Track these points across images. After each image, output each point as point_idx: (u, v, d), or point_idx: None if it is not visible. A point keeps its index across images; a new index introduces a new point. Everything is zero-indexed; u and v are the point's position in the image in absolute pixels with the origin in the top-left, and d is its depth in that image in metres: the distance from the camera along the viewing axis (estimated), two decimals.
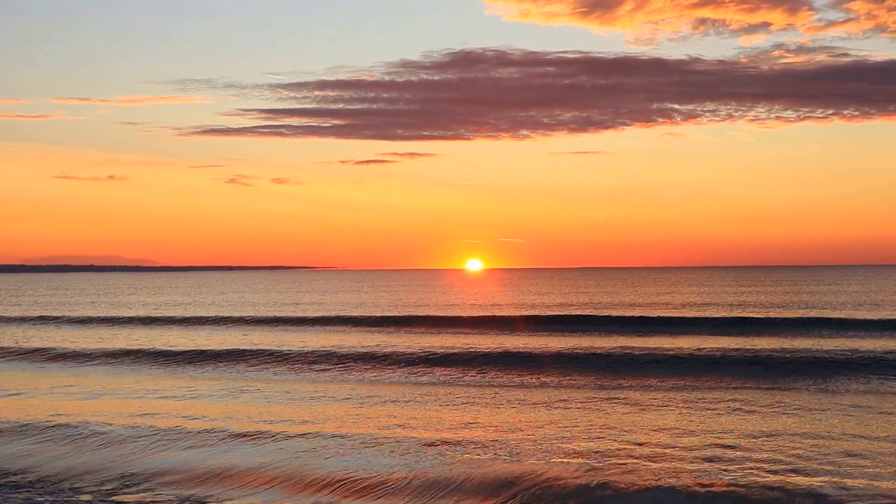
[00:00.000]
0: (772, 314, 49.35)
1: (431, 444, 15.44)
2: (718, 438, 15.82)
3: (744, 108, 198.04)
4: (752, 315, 48.30)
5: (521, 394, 22.64)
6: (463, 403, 21.02)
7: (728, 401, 20.73)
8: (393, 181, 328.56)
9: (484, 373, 27.19)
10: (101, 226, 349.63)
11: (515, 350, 31.57)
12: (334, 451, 15.02)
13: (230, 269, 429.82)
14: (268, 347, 34.08)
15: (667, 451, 14.69)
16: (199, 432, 16.89)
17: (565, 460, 14.03)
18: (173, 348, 34.38)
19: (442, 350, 31.81)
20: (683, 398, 21.30)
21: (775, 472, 12.97)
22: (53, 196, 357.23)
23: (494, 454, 14.62)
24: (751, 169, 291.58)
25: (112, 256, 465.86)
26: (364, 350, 32.34)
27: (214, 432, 16.85)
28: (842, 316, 46.38)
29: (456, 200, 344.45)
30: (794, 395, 21.89)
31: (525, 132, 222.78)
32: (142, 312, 59.98)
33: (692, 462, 13.82)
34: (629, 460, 13.93)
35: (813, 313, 49.77)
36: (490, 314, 52.19)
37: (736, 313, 50.99)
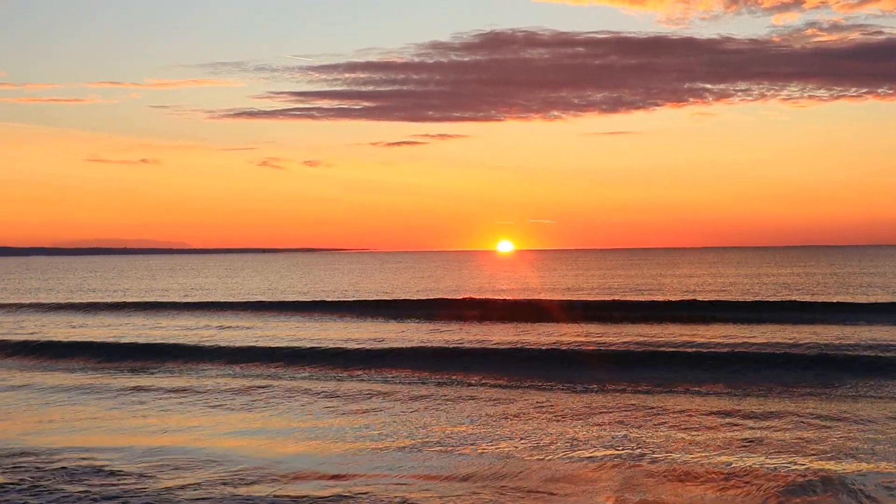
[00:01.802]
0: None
1: None
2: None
3: (776, 88, 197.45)
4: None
5: None
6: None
7: None
8: (423, 163, 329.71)
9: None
10: (133, 209, 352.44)
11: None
12: None
13: (263, 251, 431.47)
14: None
15: None
16: None
17: None
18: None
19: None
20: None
21: None
22: (85, 180, 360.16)
23: None
24: (784, 149, 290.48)
25: (145, 240, 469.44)
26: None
27: None
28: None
29: (486, 181, 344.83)
30: None
31: (556, 113, 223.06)
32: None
33: None
34: None
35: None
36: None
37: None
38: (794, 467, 13.15)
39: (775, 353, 26.15)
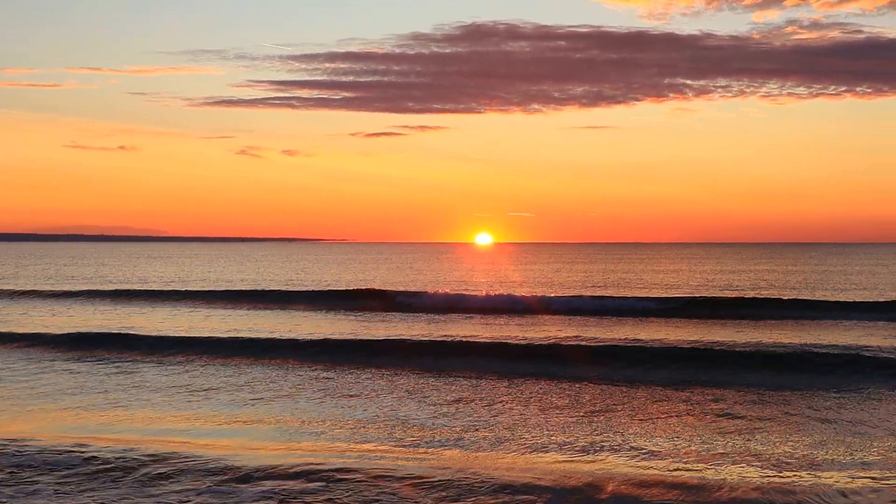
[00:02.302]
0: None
1: None
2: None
3: (756, 84, 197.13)
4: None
5: None
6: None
7: None
8: (403, 154, 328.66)
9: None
10: (111, 196, 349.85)
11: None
12: None
13: (242, 240, 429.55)
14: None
15: None
16: None
17: None
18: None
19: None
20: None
21: None
22: (63, 166, 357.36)
23: None
24: (763, 146, 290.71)
25: (122, 227, 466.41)
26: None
27: None
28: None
29: (466, 174, 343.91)
30: None
31: (536, 106, 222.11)
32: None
33: None
34: None
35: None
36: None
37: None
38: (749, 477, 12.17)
39: (756, 352, 25.03)
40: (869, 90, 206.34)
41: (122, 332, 30.55)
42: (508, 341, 27.66)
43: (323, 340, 27.76)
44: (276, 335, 29.69)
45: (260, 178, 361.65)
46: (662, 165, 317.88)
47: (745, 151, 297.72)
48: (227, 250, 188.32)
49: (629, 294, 49.32)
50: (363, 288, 52.85)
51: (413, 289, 53.23)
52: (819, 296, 48.39)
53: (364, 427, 15.84)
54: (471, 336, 29.76)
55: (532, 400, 18.86)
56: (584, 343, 27.27)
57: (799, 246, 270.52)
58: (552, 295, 47.02)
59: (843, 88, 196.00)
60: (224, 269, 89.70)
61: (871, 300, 43.52)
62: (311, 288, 55.78)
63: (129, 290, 51.56)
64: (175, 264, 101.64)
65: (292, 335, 29.58)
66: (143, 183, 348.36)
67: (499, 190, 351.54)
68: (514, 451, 13.93)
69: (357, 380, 21.46)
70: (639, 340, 28.05)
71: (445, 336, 29.70)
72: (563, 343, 27.25)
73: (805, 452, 13.76)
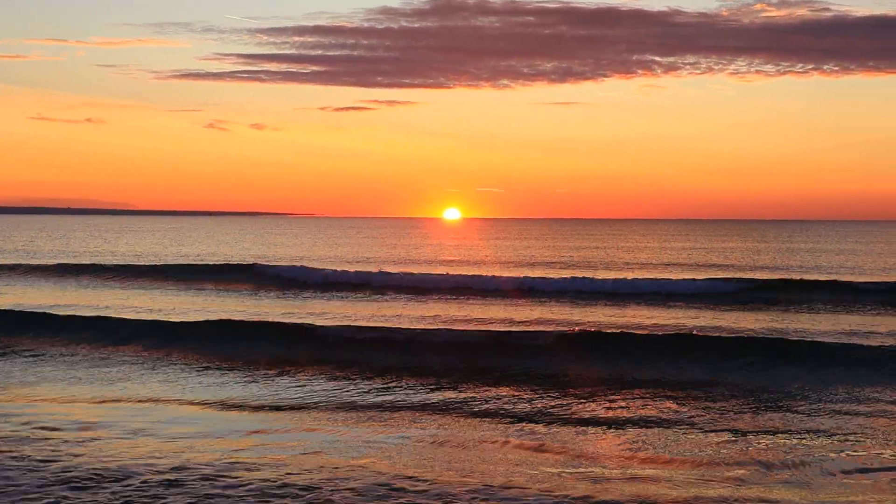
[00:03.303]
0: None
1: None
2: None
3: (724, 62, 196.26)
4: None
5: None
6: None
7: None
8: (372, 129, 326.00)
9: None
10: (77, 168, 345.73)
11: None
12: None
13: (209, 214, 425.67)
14: None
15: None
16: None
17: None
18: None
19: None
20: None
21: None
22: (29, 138, 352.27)
23: None
24: (731, 123, 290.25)
25: (89, 199, 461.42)
26: None
27: None
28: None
29: (435, 149, 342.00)
30: None
31: (505, 81, 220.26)
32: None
33: None
34: None
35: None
36: None
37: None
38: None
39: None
40: (836, 68, 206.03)
41: None
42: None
43: None
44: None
45: (227, 151, 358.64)
46: (631, 142, 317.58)
47: (714, 128, 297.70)
48: (191, 224, 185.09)
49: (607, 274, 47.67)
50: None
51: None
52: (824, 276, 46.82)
53: None
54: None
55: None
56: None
57: (766, 223, 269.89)
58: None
59: (811, 66, 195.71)
60: (169, 243, 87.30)
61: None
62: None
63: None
64: (135, 238, 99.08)
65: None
66: (109, 156, 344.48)
67: (468, 165, 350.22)
68: None
69: None
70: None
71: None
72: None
73: None
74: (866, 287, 37.32)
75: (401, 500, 9.68)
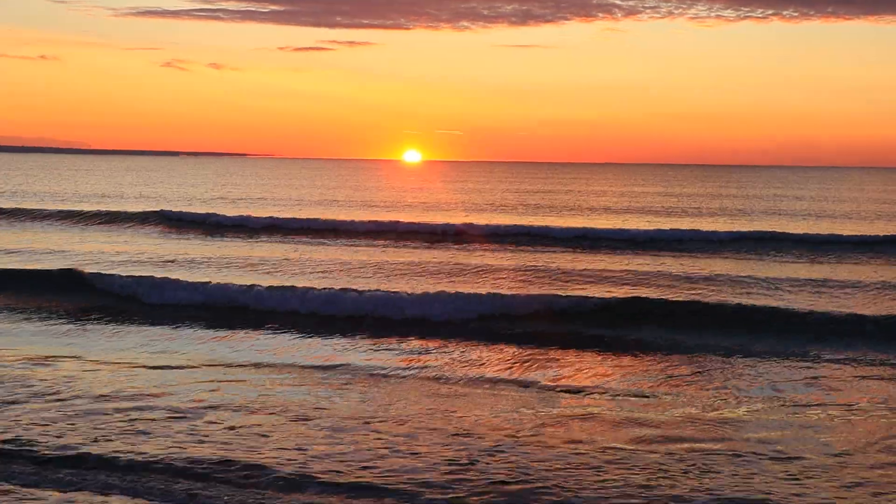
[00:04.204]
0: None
1: None
2: None
3: (684, 6, 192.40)
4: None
5: None
6: None
7: None
8: (331, 70, 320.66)
9: None
10: (32, 107, 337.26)
11: None
12: None
13: (167, 154, 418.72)
14: None
15: None
16: None
17: None
18: None
19: None
20: None
21: None
22: None
23: None
24: (690, 68, 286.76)
25: (44, 138, 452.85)
26: None
27: None
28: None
29: (394, 91, 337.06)
30: None
31: (465, 23, 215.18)
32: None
33: None
34: None
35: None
36: None
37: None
38: None
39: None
40: (795, 14, 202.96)
41: None
42: None
43: None
44: None
45: (186, 91, 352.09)
46: (591, 87, 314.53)
47: (673, 74, 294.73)
48: (145, 164, 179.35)
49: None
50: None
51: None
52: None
53: None
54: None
55: None
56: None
57: (724, 168, 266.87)
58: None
59: (770, 12, 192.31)
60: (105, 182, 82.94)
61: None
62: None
63: None
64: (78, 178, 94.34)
65: None
66: (65, 94, 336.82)
67: (427, 108, 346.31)
68: None
69: None
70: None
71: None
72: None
73: None
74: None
75: None
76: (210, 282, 21.93)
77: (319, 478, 9.24)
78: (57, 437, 10.26)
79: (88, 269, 23.71)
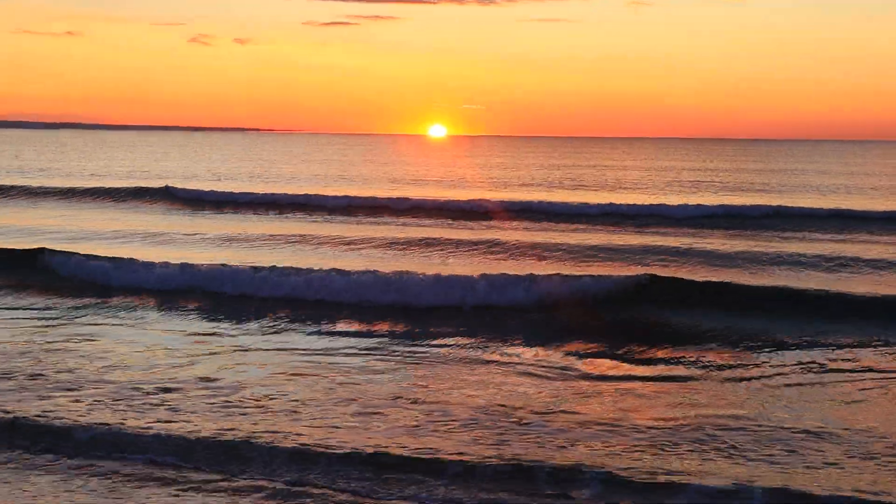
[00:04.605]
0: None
1: None
2: None
3: None
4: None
5: None
6: None
7: None
8: (356, 45, 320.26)
9: None
10: (58, 83, 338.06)
11: None
12: None
13: (193, 130, 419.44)
14: None
15: None
16: None
17: None
18: None
19: None
20: None
21: None
22: (12, 53, 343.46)
23: None
24: (720, 41, 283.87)
25: (70, 114, 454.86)
26: None
27: None
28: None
29: (420, 66, 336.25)
30: None
31: None
32: None
33: None
34: None
35: None
36: None
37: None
38: None
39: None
40: None
41: None
42: None
43: None
44: None
45: (211, 66, 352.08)
46: (617, 60, 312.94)
47: (702, 46, 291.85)
48: (170, 140, 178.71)
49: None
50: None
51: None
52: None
53: None
54: None
55: None
56: None
57: (756, 143, 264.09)
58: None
59: None
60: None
61: None
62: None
63: None
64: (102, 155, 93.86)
65: None
66: (91, 70, 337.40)
67: (453, 82, 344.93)
68: None
69: None
70: None
71: None
72: None
73: None
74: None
75: None
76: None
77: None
78: None
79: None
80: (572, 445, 9.42)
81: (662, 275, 19.64)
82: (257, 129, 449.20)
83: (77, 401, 10.67)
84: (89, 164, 69.41)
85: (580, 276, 19.00)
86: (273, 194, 39.86)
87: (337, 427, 9.88)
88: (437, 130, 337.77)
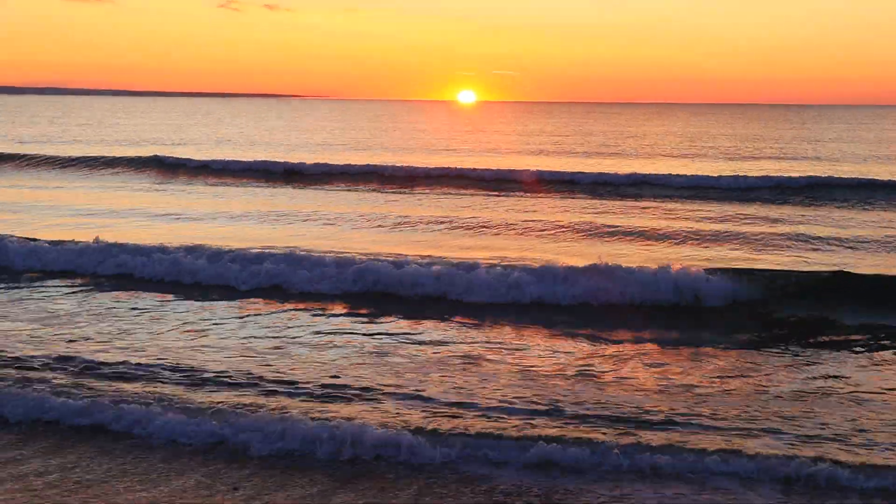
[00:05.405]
0: None
1: None
2: None
3: None
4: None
5: None
6: None
7: None
8: (386, 11, 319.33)
9: None
10: (86, 49, 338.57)
11: None
12: None
13: (221, 96, 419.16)
14: None
15: None
16: None
17: None
18: None
19: None
20: None
21: None
22: (55, 20, 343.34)
23: None
24: (754, 7, 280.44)
25: (97, 80, 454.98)
26: None
27: None
28: None
29: (449, 32, 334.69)
30: None
31: None
32: None
33: None
34: None
35: None
36: None
37: None
38: None
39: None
40: None
41: None
42: None
43: None
44: None
45: (240, 32, 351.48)
46: (645, 26, 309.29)
47: (730, 13, 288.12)
48: (195, 106, 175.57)
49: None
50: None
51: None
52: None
53: None
54: None
55: None
56: None
57: (792, 108, 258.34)
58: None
59: None
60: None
61: None
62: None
63: None
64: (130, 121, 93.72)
65: None
66: (119, 37, 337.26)
67: (482, 48, 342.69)
68: None
69: None
70: None
71: None
72: None
73: None
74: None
75: None
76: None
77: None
78: None
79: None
80: None
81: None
82: (285, 95, 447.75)
83: None
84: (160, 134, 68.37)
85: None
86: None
87: None
88: (467, 96, 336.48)
